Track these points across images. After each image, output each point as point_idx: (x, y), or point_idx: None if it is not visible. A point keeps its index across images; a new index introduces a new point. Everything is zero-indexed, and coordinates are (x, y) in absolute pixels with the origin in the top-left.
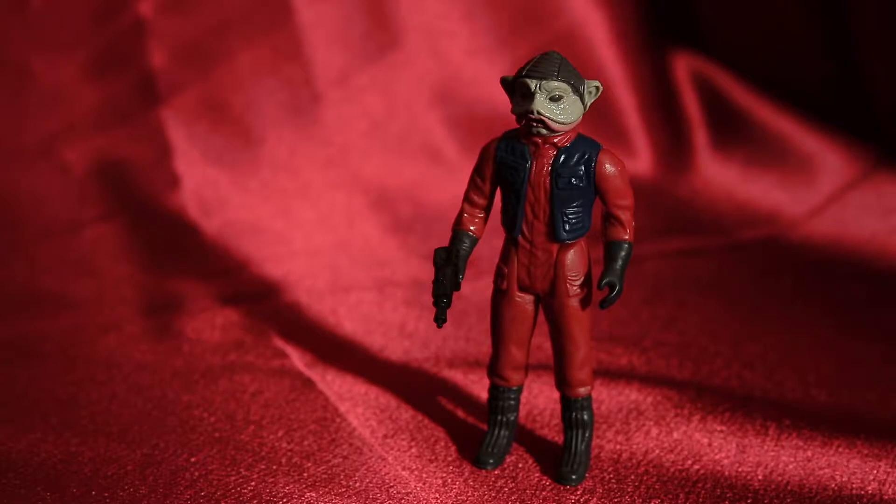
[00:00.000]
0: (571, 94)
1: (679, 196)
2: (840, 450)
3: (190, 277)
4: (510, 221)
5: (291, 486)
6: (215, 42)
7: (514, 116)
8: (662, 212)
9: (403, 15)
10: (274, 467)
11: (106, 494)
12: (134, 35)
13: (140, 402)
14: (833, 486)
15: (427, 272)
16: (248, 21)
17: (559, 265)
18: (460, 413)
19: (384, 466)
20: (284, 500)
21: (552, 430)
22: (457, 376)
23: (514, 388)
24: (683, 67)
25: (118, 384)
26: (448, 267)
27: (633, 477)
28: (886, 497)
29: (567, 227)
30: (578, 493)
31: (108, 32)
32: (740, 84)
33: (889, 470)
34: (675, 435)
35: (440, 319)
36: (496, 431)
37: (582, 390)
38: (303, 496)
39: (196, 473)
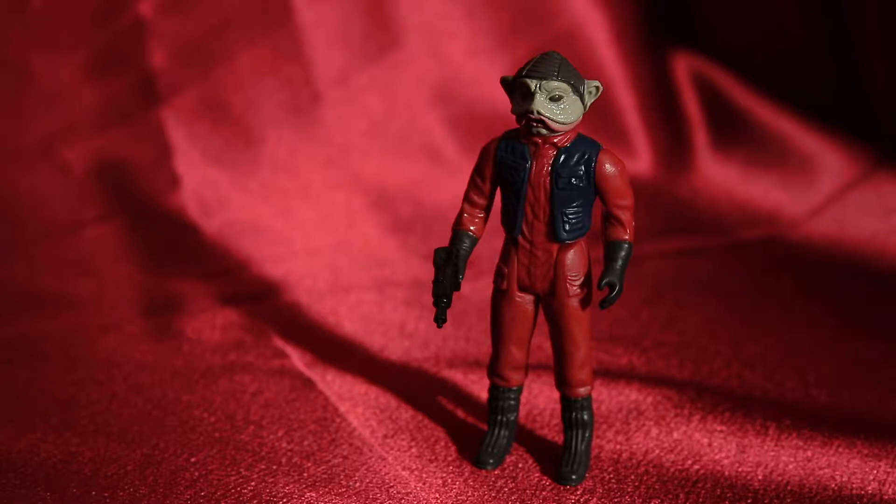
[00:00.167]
0: (571, 94)
1: (679, 196)
2: (840, 450)
3: (190, 277)
4: (510, 221)
5: (291, 486)
6: (215, 42)
7: (514, 116)
8: (662, 212)
9: (403, 15)
10: (274, 467)
11: (106, 494)
12: (134, 35)
13: (140, 402)
14: (833, 486)
15: (427, 272)
16: (248, 21)
17: (559, 265)
18: (460, 413)
19: (384, 466)
20: (284, 500)
21: (552, 430)
22: (457, 376)
23: (514, 388)
24: (683, 67)
25: (118, 384)
26: (448, 267)
27: (633, 477)
28: (886, 497)
29: (567, 227)
30: (578, 493)
31: (108, 32)
32: (740, 84)
33: (889, 470)
34: (675, 435)
35: (440, 319)
36: (496, 431)
37: (582, 390)
38: (303, 496)
39: (196, 473)
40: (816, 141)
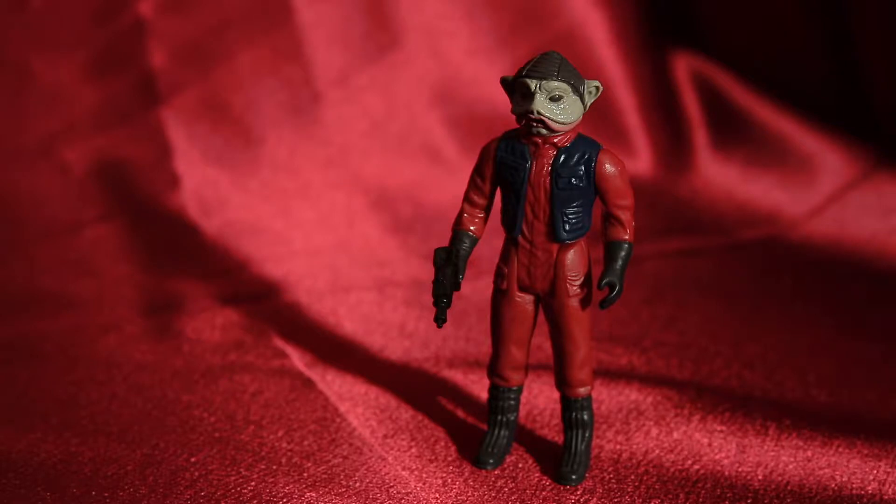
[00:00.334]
0: (571, 94)
1: (679, 196)
2: (840, 450)
3: (190, 277)
4: (510, 221)
5: (291, 486)
6: (215, 42)
7: (514, 116)
8: (662, 212)
9: (403, 15)
10: (274, 467)
11: (106, 494)
12: (134, 35)
13: (140, 402)
14: (833, 486)
15: (427, 272)
16: (248, 21)
17: (559, 265)
18: (460, 413)
19: (384, 466)
20: (284, 500)
21: (552, 430)
22: (457, 376)
23: (514, 388)
24: (683, 67)
25: (118, 384)
26: (448, 267)
27: (633, 477)
28: (886, 497)
29: (567, 227)
30: (578, 493)
31: (108, 32)
32: (740, 84)
33: (889, 470)
34: (675, 435)
35: (440, 319)
36: (496, 431)
37: (582, 390)
38: (303, 496)
39: (196, 473)
40: (816, 141)
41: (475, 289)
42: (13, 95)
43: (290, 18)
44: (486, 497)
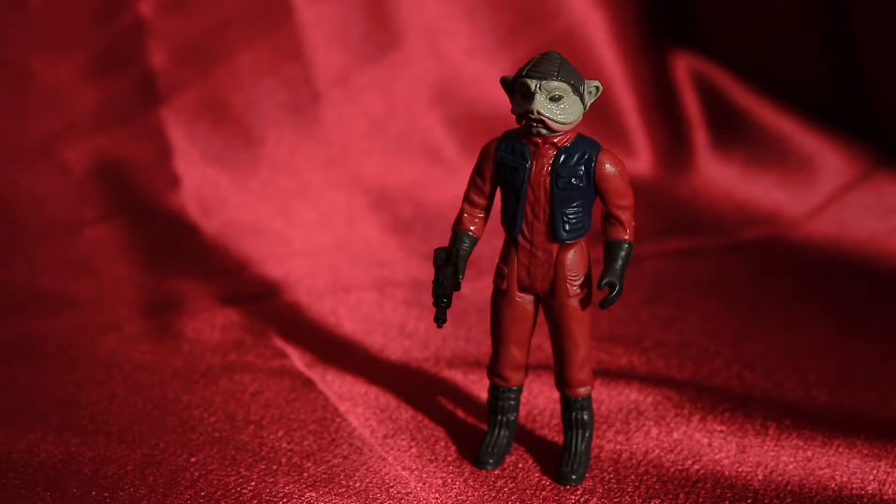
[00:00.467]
0: (571, 94)
1: (679, 196)
2: (840, 450)
3: (190, 277)
4: (510, 221)
5: (291, 486)
6: (215, 42)
7: (514, 116)
8: (662, 212)
9: (403, 15)
10: (274, 467)
11: (106, 494)
12: (134, 35)
13: (140, 402)
14: (833, 486)
15: (427, 272)
16: (248, 21)
17: (559, 265)
18: (460, 413)
19: (384, 466)
20: (284, 500)
21: (552, 430)
22: (457, 376)
23: (514, 388)
24: (683, 67)
25: (118, 384)
26: (448, 267)
27: (633, 477)
28: (886, 497)
29: (567, 227)
30: (578, 493)
31: (108, 32)
32: (740, 84)
33: (889, 470)
34: (675, 435)
35: (440, 319)
36: (496, 431)
37: (582, 390)
38: (303, 496)
39: (196, 473)
40: (816, 141)
41: (475, 289)
42: (13, 95)
43: (290, 18)
44: (486, 497)
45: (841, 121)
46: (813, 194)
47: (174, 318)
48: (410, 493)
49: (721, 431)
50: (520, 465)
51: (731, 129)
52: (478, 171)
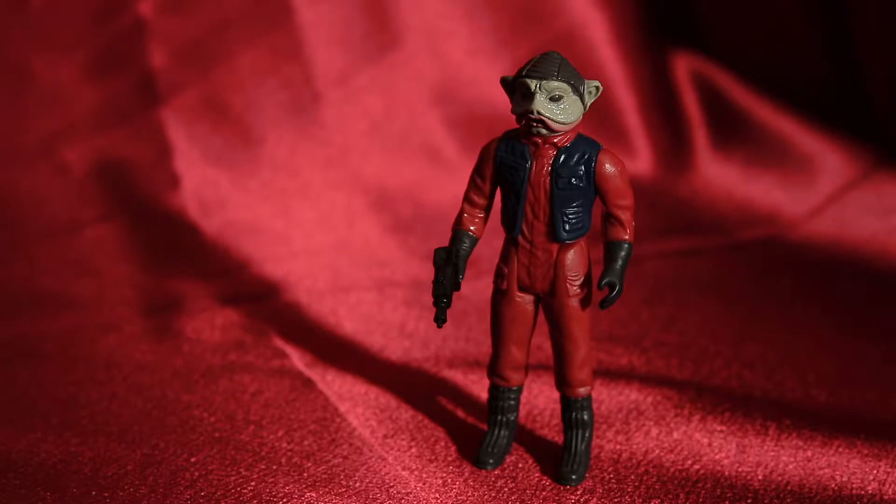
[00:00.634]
0: (571, 94)
1: (679, 196)
2: (840, 450)
3: (190, 277)
4: (510, 221)
5: (291, 486)
6: (215, 42)
7: (514, 116)
8: (662, 212)
9: (403, 15)
10: (274, 467)
11: (106, 494)
12: (134, 35)
13: (140, 402)
14: (833, 486)
15: (427, 272)
16: (248, 21)
17: (559, 265)
18: (460, 413)
19: (384, 466)
20: (284, 500)
21: (552, 430)
22: (457, 376)
23: (514, 388)
24: (683, 67)
25: (118, 384)
26: (448, 267)
27: (633, 477)
28: (886, 497)
29: (567, 227)
30: (578, 493)
31: (108, 32)
32: (740, 84)
33: (889, 470)
34: (675, 435)
35: (440, 319)
36: (496, 431)
37: (582, 390)
38: (303, 496)
39: (196, 473)
40: (816, 141)
41: (475, 289)
42: (13, 95)
43: (290, 18)
44: (486, 497)
45: (841, 121)
46: (813, 194)
47: (174, 318)
48: (410, 493)
49: (721, 431)
50: (520, 465)
51: (731, 129)
52: (478, 171)
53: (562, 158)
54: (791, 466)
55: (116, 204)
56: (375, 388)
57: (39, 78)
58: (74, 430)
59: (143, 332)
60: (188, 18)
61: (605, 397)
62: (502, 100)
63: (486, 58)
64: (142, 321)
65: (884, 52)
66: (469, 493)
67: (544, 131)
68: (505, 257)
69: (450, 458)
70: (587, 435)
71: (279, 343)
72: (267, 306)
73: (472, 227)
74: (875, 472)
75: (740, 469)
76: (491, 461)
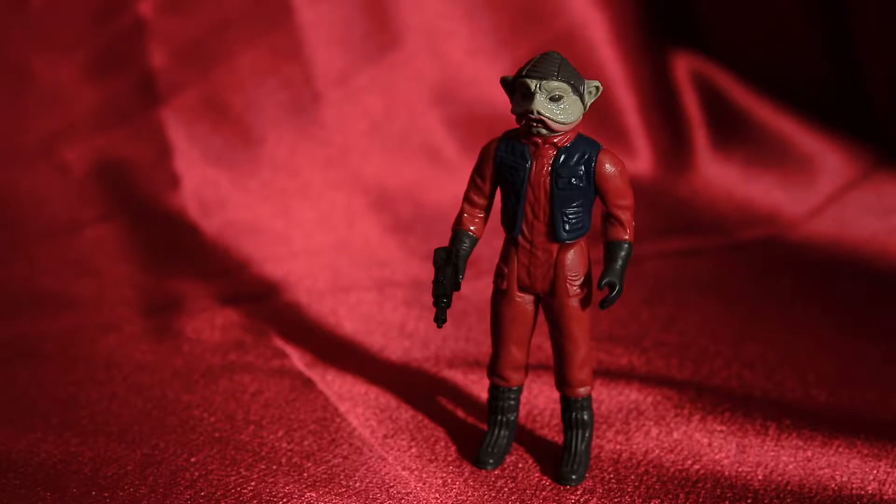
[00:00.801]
0: (571, 94)
1: (679, 196)
2: (840, 450)
3: (190, 277)
4: (510, 221)
5: (291, 486)
6: (215, 42)
7: (514, 116)
8: (662, 212)
9: (403, 15)
10: (274, 467)
11: (106, 494)
12: (134, 35)
13: (140, 402)
14: (833, 486)
15: (427, 272)
16: (248, 21)
17: (559, 265)
18: (460, 413)
19: (384, 466)
20: (284, 500)
21: (552, 430)
22: (457, 376)
23: (514, 388)
24: (683, 67)
25: (118, 384)
26: (448, 267)
27: (633, 477)
28: (886, 497)
29: (567, 227)
30: (578, 493)
31: (108, 32)
32: (740, 84)
33: (889, 470)
34: (675, 435)
35: (440, 319)
36: (496, 431)
37: (582, 390)
38: (303, 496)
39: (196, 473)
40: (816, 141)
41: (475, 289)
42: (13, 95)
43: (290, 18)
44: (486, 497)
45: (841, 121)
46: (813, 194)
47: (174, 318)
48: (410, 493)
49: (721, 431)
50: (520, 465)
51: (731, 129)
52: (478, 171)
53: (562, 158)
54: (791, 466)
55: (116, 204)
56: (375, 388)
57: (39, 78)
58: (74, 430)
59: (143, 332)
60: (188, 18)
61: (605, 397)
62: (502, 100)
63: (486, 58)
64: (142, 321)
65: (884, 52)
66: (469, 493)
67: (544, 131)
68: (505, 257)
69: (450, 458)
70: (587, 435)
71: (279, 343)
72: (267, 306)
73: (472, 227)
74: (875, 472)
75: (740, 469)
76: (491, 461)
